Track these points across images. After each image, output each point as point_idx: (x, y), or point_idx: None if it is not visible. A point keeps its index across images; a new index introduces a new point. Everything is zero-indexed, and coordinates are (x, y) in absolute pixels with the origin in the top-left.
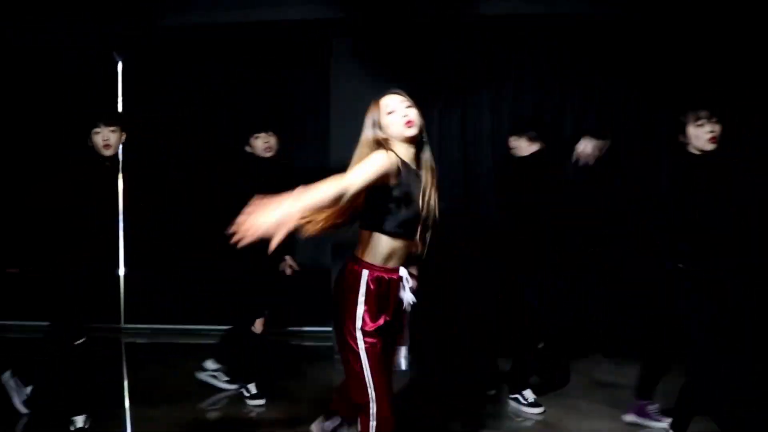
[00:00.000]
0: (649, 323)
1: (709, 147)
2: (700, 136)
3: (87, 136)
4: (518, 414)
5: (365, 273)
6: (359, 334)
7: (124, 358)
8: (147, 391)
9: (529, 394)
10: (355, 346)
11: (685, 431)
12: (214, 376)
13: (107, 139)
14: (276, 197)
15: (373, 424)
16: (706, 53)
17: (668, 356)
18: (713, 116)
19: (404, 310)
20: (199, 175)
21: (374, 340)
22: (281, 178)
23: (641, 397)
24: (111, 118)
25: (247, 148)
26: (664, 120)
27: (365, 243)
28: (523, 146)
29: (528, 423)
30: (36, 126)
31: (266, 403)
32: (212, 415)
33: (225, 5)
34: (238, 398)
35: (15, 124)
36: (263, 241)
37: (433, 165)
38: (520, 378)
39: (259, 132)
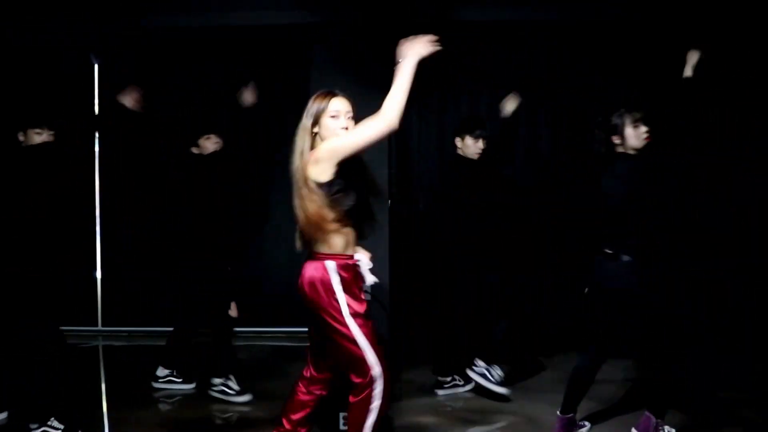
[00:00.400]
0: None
1: (641, 145)
2: (638, 135)
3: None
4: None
5: (332, 264)
6: (350, 320)
7: (101, 361)
8: (126, 394)
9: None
10: (349, 333)
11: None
12: (171, 381)
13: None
14: None
15: (378, 390)
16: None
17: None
18: (645, 117)
19: (365, 291)
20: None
21: (364, 321)
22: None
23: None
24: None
25: (194, 149)
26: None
27: (321, 239)
28: (470, 145)
29: (511, 417)
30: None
31: (250, 401)
32: (191, 415)
33: (207, 8)
34: (219, 399)
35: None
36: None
37: None
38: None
39: (208, 133)
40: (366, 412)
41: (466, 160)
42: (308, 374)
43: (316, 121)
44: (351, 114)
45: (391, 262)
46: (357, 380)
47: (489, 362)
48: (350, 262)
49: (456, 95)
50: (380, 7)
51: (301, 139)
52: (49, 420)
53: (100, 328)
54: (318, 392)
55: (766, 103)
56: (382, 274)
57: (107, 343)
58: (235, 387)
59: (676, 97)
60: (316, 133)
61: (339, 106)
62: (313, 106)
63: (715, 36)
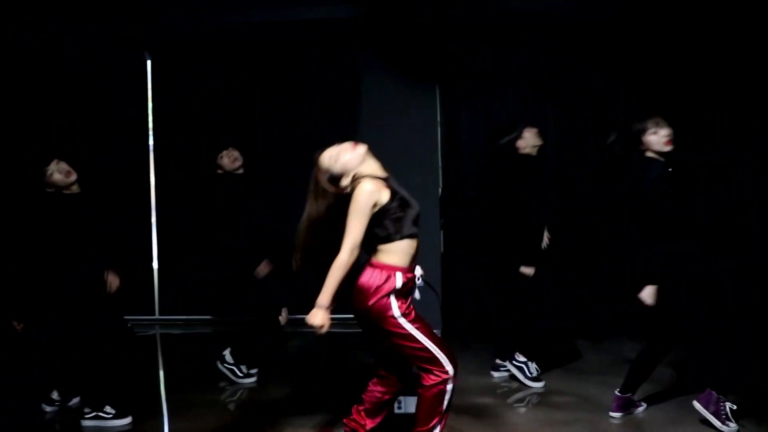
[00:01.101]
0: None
1: (667, 149)
2: (659, 141)
3: None
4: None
5: (399, 275)
6: (401, 320)
7: (159, 349)
8: (184, 379)
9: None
10: (403, 330)
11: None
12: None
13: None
14: None
15: (450, 386)
16: (705, 54)
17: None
18: (665, 121)
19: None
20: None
21: (413, 316)
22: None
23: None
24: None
25: (219, 171)
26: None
27: (391, 251)
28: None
29: (566, 398)
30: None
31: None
32: (248, 399)
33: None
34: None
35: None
36: None
37: None
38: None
39: (222, 150)
40: (438, 406)
41: (522, 156)
42: (380, 372)
43: (343, 174)
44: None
45: (444, 251)
46: (430, 380)
47: (529, 357)
48: (411, 275)
49: (501, 89)
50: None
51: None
52: (103, 406)
53: (157, 317)
54: (393, 387)
55: (766, 103)
56: (433, 263)
57: (164, 331)
58: (244, 371)
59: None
60: (354, 175)
61: (329, 155)
62: (324, 178)
63: (715, 36)
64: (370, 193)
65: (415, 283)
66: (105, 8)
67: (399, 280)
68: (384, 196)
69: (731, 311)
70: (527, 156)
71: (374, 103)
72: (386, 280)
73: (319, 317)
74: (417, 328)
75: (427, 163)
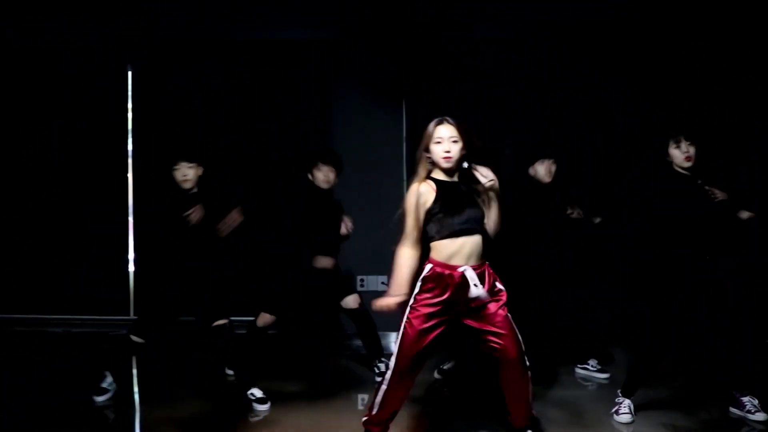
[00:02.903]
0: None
1: (686, 165)
2: (677, 155)
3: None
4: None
5: (428, 266)
6: (408, 308)
7: None
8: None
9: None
10: (404, 316)
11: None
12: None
13: (186, 174)
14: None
15: (382, 387)
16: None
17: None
18: (688, 139)
19: (477, 300)
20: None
21: (419, 314)
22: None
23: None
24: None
25: (309, 176)
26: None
27: (435, 249)
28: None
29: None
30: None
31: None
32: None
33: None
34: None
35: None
36: None
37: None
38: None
39: (324, 163)
40: (373, 398)
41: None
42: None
43: (426, 148)
44: (455, 138)
45: None
46: (381, 375)
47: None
48: (446, 271)
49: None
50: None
51: (420, 165)
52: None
53: (132, 317)
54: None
55: (766, 103)
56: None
57: None
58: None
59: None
60: (429, 158)
61: (443, 132)
62: (425, 134)
63: (715, 36)
64: (411, 193)
65: (455, 280)
66: (86, 16)
67: (426, 269)
68: (430, 198)
69: (731, 311)
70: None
71: (345, 117)
72: (423, 270)
73: (381, 302)
74: (406, 325)
75: (394, 171)
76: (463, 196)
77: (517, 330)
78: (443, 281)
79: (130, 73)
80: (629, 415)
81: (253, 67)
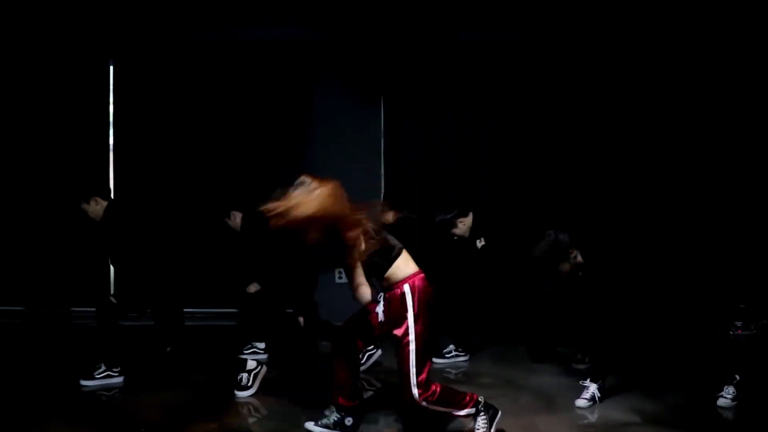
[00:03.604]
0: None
1: None
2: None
3: None
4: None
5: None
6: None
7: None
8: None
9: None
10: None
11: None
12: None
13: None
14: None
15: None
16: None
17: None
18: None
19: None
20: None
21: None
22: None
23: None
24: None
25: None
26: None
27: None
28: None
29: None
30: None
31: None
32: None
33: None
34: None
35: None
36: None
37: None
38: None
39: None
40: None
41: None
42: None
43: None
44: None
45: None
46: None
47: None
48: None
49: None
50: (381, 27)
51: None
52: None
53: None
54: None
55: (766, 103)
56: None
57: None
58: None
59: None
60: None
61: None
62: None
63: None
64: None
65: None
66: (72, 15)
67: None
68: None
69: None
70: (461, 237)
71: (325, 115)
72: None
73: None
74: None
75: (372, 167)
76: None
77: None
78: None
79: (111, 68)
80: (586, 401)
81: (235, 67)
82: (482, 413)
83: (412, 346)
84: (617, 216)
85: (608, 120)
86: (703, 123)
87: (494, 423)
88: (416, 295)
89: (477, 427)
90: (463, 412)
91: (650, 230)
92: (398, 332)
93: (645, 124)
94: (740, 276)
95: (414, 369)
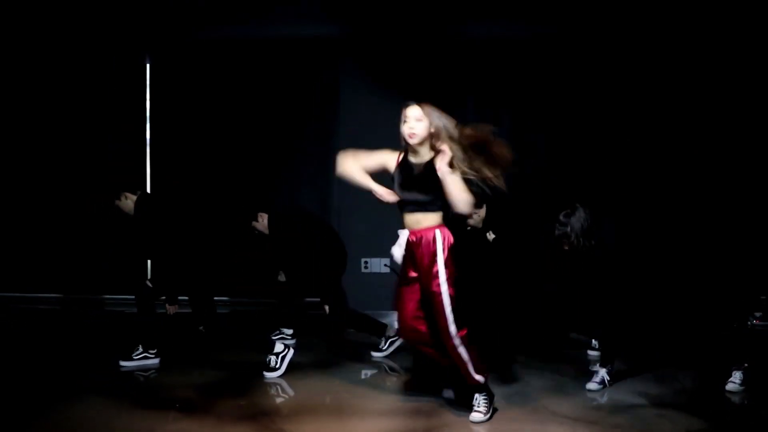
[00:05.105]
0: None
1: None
2: None
3: None
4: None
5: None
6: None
7: None
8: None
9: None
10: None
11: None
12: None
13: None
14: None
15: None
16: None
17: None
18: None
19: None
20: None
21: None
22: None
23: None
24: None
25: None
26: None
27: None
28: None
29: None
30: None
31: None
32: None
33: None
34: None
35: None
36: None
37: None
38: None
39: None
40: None
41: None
42: None
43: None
44: (419, 118)
45: None
46: None
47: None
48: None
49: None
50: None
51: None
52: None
53: None
54: None
55: (766, 103)
56: None
57: None
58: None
59: None
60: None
61: (409, 113)
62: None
63: (714, 36)
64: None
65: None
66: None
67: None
68: (391, 165)
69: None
70: (474, 228)
71: (351, 111)
72: None
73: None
74: None
75: None
76: (417, 178)
77: (441, 308)
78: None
79: (148, 64)
80: (596, 384)
81: (264, 63)
82: (484, 393)
83: (445, 292)
84: (636, 206)
85: (625, 113)
86: (727, 111)
87: (491, 406)
88: (446, 240)
89: (478, 403)
90: (477, 376)
91: (670, 220)
92: (428, 281)
93: (668, 113)
94: (762, 267)
95: (451, 315)
